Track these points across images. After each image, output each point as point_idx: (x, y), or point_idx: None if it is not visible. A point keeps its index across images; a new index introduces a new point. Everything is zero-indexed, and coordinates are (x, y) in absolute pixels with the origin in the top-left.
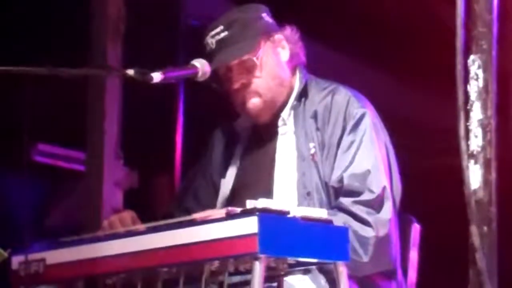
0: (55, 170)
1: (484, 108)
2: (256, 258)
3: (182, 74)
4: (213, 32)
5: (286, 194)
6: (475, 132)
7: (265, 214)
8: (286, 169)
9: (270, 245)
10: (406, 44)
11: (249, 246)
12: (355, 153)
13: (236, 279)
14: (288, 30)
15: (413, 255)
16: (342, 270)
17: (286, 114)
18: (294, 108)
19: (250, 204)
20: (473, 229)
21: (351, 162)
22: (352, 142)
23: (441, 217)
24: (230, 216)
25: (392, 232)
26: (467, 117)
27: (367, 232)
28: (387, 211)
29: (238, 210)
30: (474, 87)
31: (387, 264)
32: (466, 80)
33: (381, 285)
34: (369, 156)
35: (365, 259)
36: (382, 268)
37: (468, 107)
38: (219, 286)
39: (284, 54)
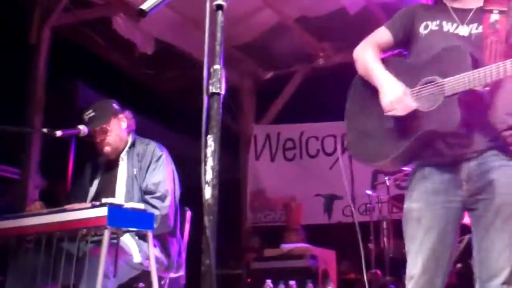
0: (3, 178)
1: (213, 160)
2: (106, 228)
3: (73, 132)
4: (86, 113)
5: (121, 196)
6: (208, 172)
7: (111, 206)
8: (121, 182)
9: (113, 221)
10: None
11: (103, 222)
12: (155, 173)
13: (95, 238)
14: (127, 112)
15: (187, 226)
16: (150, 234)
17: (124, 155)
18: (127, 152)
19: (104, 200)
20: (205, 218)
21: (152, 177)
22: (154, 168)
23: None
24: (94, 206)
25: (171, 212)
26: (206, 164)
27: (156, 212)
28: (167, 201)
29: (98, 203)
30: (209, 150)
31: (167, 228)
32: (206, 146)
33: (169, 240)
34: (160, 175)
35: (155, 225)
36: (165, 230)
37: (207, 160)
38: (86, 242)
39: (124, 125)
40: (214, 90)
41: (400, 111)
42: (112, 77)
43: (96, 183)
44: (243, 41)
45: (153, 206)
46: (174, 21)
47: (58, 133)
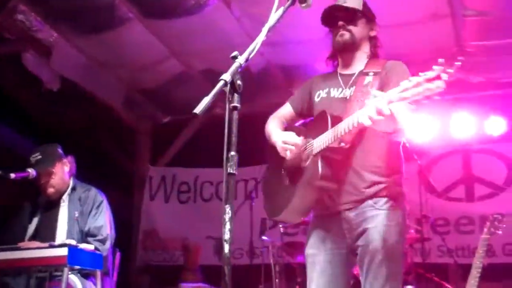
0: None
1: (230, 224)
2: (66, 266)
3: (24, 175)
4: (33, 155)
5: (62, 235)
6: (227, 233)
7: (70, 246)
8: (62, 223)
9: (71, 260)
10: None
11: (63, 261)
12: (96, 217)
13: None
14: (70, 157)
15: (116, 262)
16: (99, 273)
17: (65, 197)
18: (69, 194)
19: (61, 240)
20: (225, 267)
21: (95, 221)
22: (95, 213)
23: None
24: (54, 246)
25: (109, 254)
26: (225, 226)
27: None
28: (107, 245)
29: (57, 244)
30: (227, 216)
31: (105, 268)
32: (225, 212)
33: (104, 279)
34: (102, 219)
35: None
36: (103, 270)
37: (225, 223)
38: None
39: (67, 168)
40: (230, 171)
41: (292, 146)
42: (18, 113)
43: (35, 221)
44: (146, 86)
45: (95, 248)
46: (81, 62)
47: (12, 175)
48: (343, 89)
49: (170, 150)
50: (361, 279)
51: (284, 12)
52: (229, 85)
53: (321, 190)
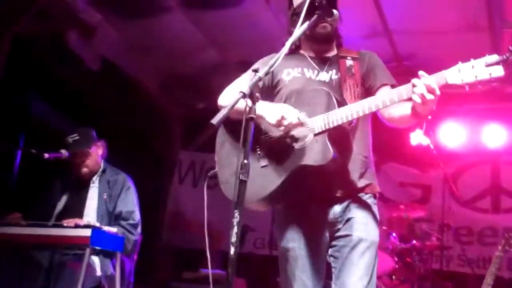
0: None
1: (238, 228)
2: (88, 246)
3: (57, 156)
4: (71, 136)
5: (91, 215)
6: (233, 236)
7: (94, 228)
8: (92, 204)
9: (94, 241)
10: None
11: (86, 241)
12: (127, 202)
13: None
14: (102, 142)
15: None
16: (119, 255)
17: (95, 179)
18: (99, 176)
19: (85, 221)
20: (229, 269)
21: (126, 205)
22: (125, 197)
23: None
24: (79, 226)
25: (139, 239)
26: (232, 229)
27: (131, 237)
28: (139, 229)
29: (82, 223)
30: (235, 221)
31: (134, 251)
32: (233, 217)
33: (125, 260)
34: (133, 204)
35: (129, 247)
36: (132, 253)
37: (233, 227)
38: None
39: (100, 152)
40: (243, 178)
41: (292, 118)
42: (57, 89)
43: (64, 199)
44: (183, 73)
45: (129, 231)
46: (122, 44)
47: (46, 155)
48: (318, 71)
49: (202, 136)
50: (334, 270)
51: (308, 27)
52: (247, 97)
53: (321, 173)
